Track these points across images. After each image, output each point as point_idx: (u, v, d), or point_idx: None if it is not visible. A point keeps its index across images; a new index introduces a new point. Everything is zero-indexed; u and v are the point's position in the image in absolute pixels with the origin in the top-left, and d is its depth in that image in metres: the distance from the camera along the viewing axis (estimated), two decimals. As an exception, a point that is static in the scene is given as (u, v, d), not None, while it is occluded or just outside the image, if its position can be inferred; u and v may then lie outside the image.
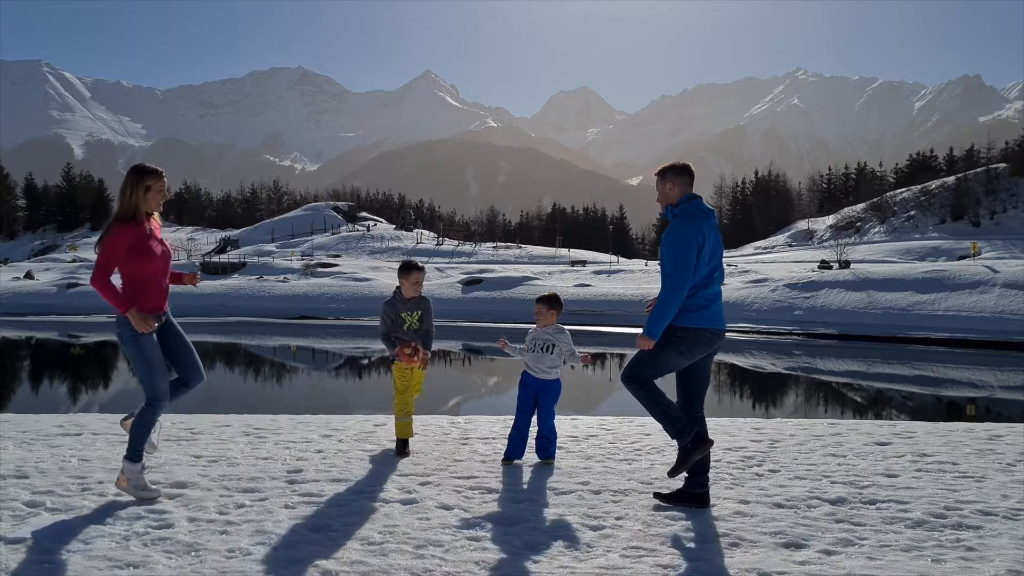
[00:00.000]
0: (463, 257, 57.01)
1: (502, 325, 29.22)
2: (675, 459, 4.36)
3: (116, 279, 4.15)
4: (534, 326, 5.39)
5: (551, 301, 5.31)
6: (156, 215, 4.32)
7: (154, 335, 4.22)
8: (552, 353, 5.24)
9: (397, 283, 5.63)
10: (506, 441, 5.48)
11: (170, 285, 4.45)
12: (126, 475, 4.25)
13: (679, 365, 4.28)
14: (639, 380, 4.27)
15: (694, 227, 4.15)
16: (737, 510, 4.24)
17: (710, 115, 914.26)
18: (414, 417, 5.91)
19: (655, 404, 4.25)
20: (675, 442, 4.42)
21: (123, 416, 4.54)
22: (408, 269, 5.49)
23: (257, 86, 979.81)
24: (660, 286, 4.22)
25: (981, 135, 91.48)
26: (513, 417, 5.44)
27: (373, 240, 64.51)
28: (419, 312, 5.53)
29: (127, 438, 4.30)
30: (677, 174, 4.31)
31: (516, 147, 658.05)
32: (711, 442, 4.22)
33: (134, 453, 4.23)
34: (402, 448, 5.53)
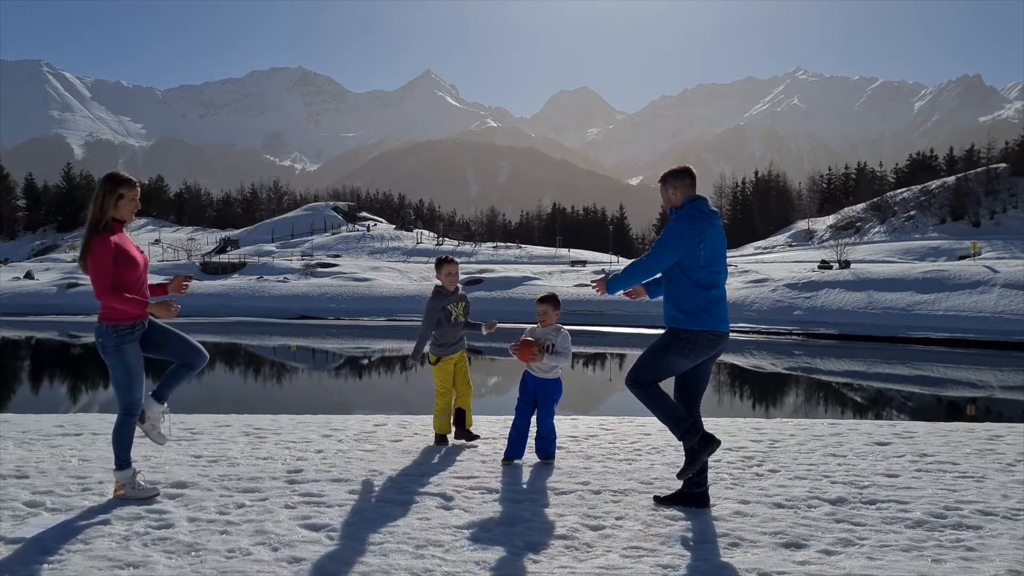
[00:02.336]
0: (463, 257, 56.96)
1: (502, 325, 29.25)
2: (683, 461, 4.37)
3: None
4: (532, 326, 5.39)
5: (555, 301, 5.33)
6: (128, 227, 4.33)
7: (138, 344, 4.22)
8: (551, 352, 5.24)
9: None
10: (506, 441, 5.48)
11: (156, 296, 4.45)
12: (120, 482, 4.27)
13: (682, 367, 4.28)
14: (642, 383, 4.27)
15: (691, 227, 4.17)
16: (737, 510, 4.24)
17: (710, 115, 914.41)
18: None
19: (660, 407, 4.25)
20: (679, 443, 4.43)
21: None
22: (440, 263, 5.87)
23: (257, 86, 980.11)
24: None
25: (981, 135, 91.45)
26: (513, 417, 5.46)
27: (373, 240, 64.49)
28: (464, 304, 5.88)
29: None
30: (677, 177, 4.33)
31: (516, 147, 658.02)
32: (718, 443, 4.20)
33: (121, 462, 4.24)
34: (442, 440, 5.90)
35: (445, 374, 5.82)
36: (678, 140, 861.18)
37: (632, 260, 4.45)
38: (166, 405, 4.46)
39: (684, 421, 4.20)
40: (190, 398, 12.36)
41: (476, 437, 5.97)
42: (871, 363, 19.92)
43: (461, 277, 39.31)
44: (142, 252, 4.35)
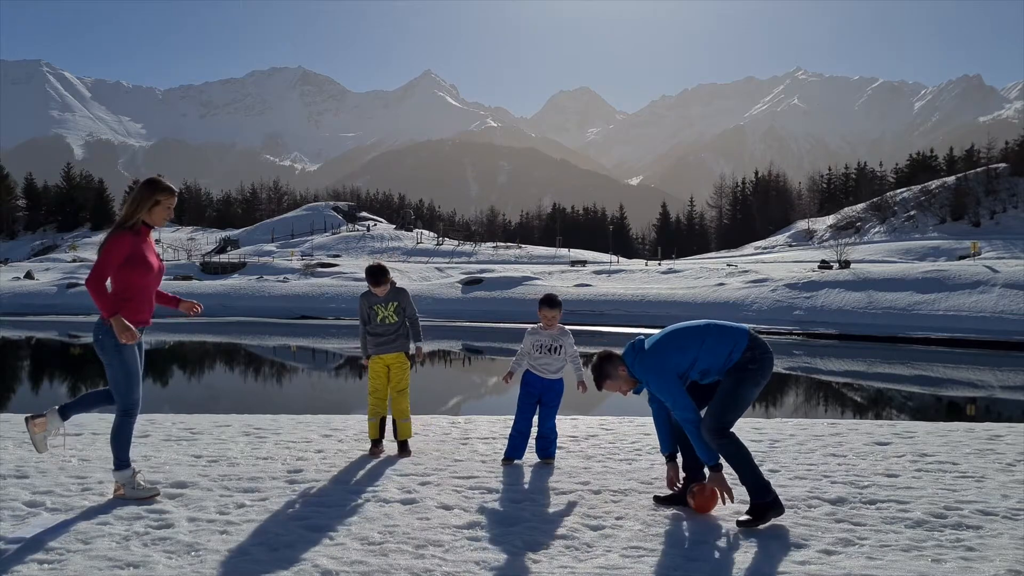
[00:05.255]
0: (463, 257, 57.01)
1: (502, 325, 29.20)
2: (748, 511, 4.09)
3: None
4: (534, 325, 5.40)
5: (554, 303, 5.31)
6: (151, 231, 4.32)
7: (136, 347, 4.22)
8: (559, 355, 5.28)
9: (399, 284, 5.74)
10: (506, 441, 5.49)
11: (165, 306, 4.45)
12: (119, 483, 4.27)
13: (753, 397, 4.12)
14: (726, 433, 4.05)
15: (662, 372, 4.08)
16: (737, 510, 4.23)
17: (710, 115, 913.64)
18: (413, 417, 5.89)
19: (746, 460, 4.04)
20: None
21: (27, 415, 4.34)
22: (370, 275, 5.51)
23: (257, 86, 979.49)
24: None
25: (981, 135, 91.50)
26: (513, 417, 5.46)
27: (373, 240, 64.49)
28: (395, 304, 5.57)
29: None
30: (614, 364, 4.28)
31: (516, 147, 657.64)
32: (783, 510, 4.04)
33: (120, 463, 4.24)
34: (375, 446, 5.58)
35: (374, 373, 5.58)
36: (678, 140, 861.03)
37: (693, 436, 4.09)
38: (65, 425, 4.39)
39: (763, 478, 4.05)
40: (190, 398, 12.38)
41: (407, 453, 5.55)
42: (871, 363, 19.91)
43: (461, 277, 39.51)
44: (160, 260, 4.36)
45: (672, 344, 4.14)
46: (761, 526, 3.94)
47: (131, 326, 4.09)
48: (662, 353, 4.12)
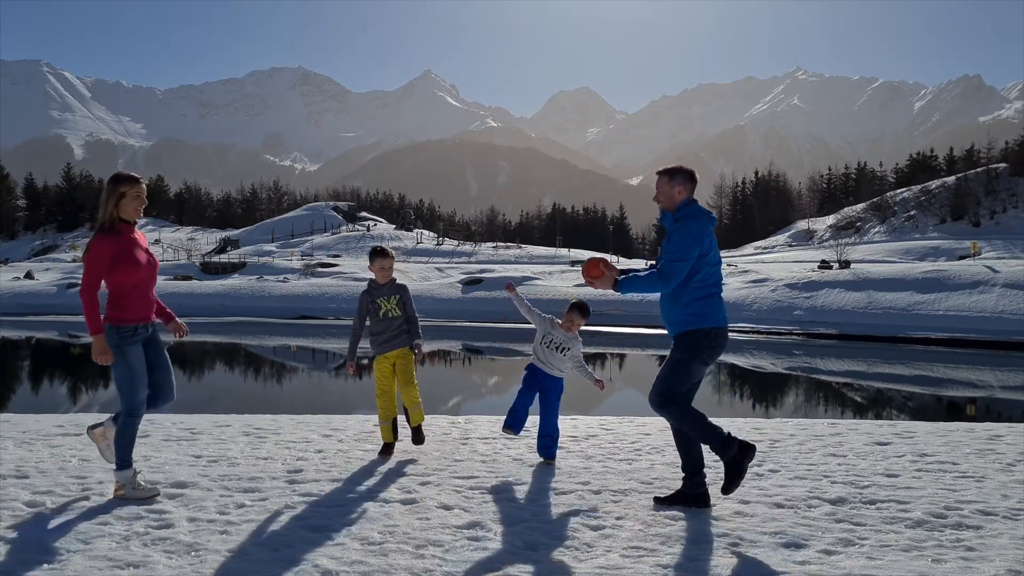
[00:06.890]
0: (463, 257, 57.03)
1: (502, 325, 29.20)
2: (724, 474, 4.15)
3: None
4: (558, 320, 5.41)
5: (585, 311, 5.31)
6: (138, 227, 4.30)
7: (140, 346, 4.21)
8: (564, 355, 5.31)
9: (394, 277, 5.61)
10: (506, 441, 5.49)
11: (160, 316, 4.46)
12: (120, 482, 4.27)
13: (702, 374, 4.19)
14: (673, 400, 4.09)
15: (700, 226, 4.11)
16: (737, 510, 4.23)
17: (710, 115, 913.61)
18: (427, 416, 5.78)
19: (696, 422, 4.10)
20: (673, 451, 4.38)
21: (90, 425, 4.54)
22: (373, 255, 5.47)
23: (257, 86, 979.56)
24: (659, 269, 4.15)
25: (981, 135, 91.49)
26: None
27: (373, 240, 64.47)
28: (397, 297, 5.44)
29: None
30: (688, 180, 4.22)
31: (516, 147, 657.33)
32: (755, 448, 4.09)
33: (122, 463, 4.25)
34: (386, 450, 5.50)
35: (381, 373, 5.46)
36: (678, 140, 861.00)
37: (648, 270, 4.09)
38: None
39: (720, 432, 4.07)
40: (190, 398, 12.37)
41: (421, 439, 5.54)
42: (871, 363, 19.91)
43: (461, 277, 39.50)
44: (151, 255, 4.30)
45: (716, 252, 4.15)
46: (742, 482, 3.97)
47: (108, 349, 4.08)
48: (708, 237, 4.10)
